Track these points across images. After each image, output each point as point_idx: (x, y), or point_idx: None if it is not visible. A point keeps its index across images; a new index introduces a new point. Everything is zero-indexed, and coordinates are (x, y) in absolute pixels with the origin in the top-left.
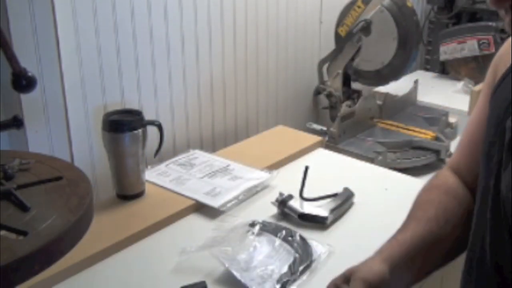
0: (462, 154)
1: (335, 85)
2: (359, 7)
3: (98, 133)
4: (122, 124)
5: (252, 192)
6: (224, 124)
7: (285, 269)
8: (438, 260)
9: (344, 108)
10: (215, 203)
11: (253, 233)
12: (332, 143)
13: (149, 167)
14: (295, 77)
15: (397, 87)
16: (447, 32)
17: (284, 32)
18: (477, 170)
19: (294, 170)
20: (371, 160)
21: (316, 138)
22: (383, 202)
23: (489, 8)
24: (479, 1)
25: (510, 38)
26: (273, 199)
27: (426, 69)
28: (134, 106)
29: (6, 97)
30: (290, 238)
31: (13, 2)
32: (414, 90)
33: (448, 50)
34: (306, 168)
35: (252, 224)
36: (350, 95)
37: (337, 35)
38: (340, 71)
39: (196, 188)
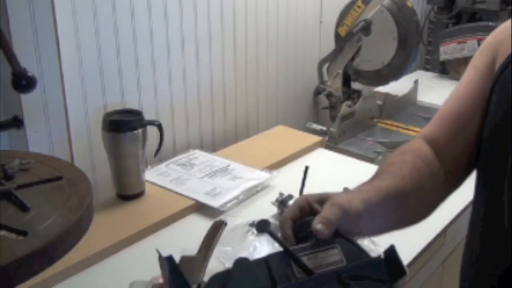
0: (441, 126)
1: (335, 85)
2: (359, 7)
3: (98, 133)
4: (122, 124)
5: (252, 192)
6: (224, 124)
7: None
8: (401, 220)
9: (344, 108)
10: (215, 203)
11: (253, 233)
12: (332, 143)
13: (149, 167)
14: (295, 77)
15: (397, 87)
16: (447, 32)
17: (284, 32)
18: (454, 143)
19: (294, 170)
20: (371, 160)
21: (316, 138)
22: None
23: (489, 8)
24: (479, 1)
25: (510, 21)
26: (273, 199)
27: (426, 69)
28: (134, 106)
29: (6, 97)
30: None
31: (13, 2)
32: (414, 90)
33: (448, 50)
34: (306, 168)
35: (252, 224)
36: (350, 95)
37: (337, 35)
38: (340, 71)
39: (196, 188)
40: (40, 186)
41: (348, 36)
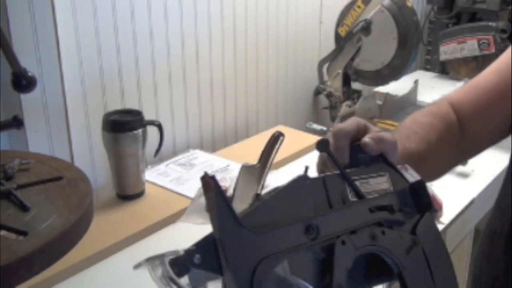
0: (473, 95)
1: (335, 85)
2: (359, 7)
3: (98, 133)
4: (122, 124)
5: None
6: (224, 124)
7: None
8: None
9: (344, 108)
10: None
11: None
12: None
13: (149, 167)
14: (295, 77)
15: (397, 87)
16: (447, 32)
17: (284, 32)
18: (482, 116)
19: (294, 170)
20: None
21: (316, 138)
22: None
23: (489, 8)
24: (479, 1)
25: None
26: None
27: (426, 69)
28: (134, 106)
29: (6, 97)
30: None
31: (13, 2)
32: (414, 90)
33: (448, 50)
34: (306, 168)
35: None
36: (350, 95)
37: (337, 35)
38: (340, 71)
39: (196, 188)
40: (40, 186)
41: (348, 36)
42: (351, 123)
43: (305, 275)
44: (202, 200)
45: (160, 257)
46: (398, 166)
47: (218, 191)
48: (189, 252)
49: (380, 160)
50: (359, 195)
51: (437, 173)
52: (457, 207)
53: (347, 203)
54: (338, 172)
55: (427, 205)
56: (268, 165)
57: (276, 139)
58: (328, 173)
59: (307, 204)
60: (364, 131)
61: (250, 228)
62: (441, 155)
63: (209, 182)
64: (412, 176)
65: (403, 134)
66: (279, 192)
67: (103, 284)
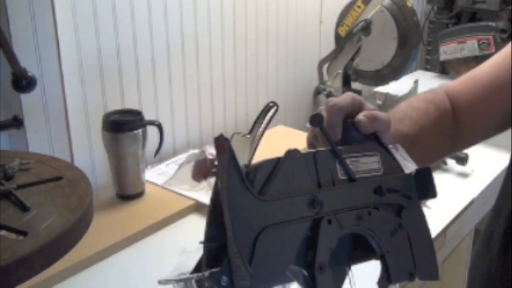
0: (469, 86)
1: (335, 85)
2: (359, 7)
3: (98, 133)
4: (122, 124)
5: None
6: (224, 124)
7: None
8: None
9: None
10: None
11: None
12: None
13: (149, 167)
14: (295, 77)
15: (397, 87)
16: (447, 32)
17: (284, 32)
18: (476, 108)
19: None
20: None
21: None
22: None
23: (489, 8)
24: (479, 1)
25: None
26: None
27: (426, 69)
28: (134, 106)
29: (6, 97)
30: None
31: (13, 2)
32: (414, 90)
33: (448, 50)
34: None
35: None
36: None
37: (337, 35)
38: (340, 71)
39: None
40: (40, 186)
41: (348, 36)
42: (346, 98)
43: (290, 249)
44: (187, 168)
45: (187, 280)
46: (390, 146)
47: (231, 154)
48: (216, 275)
49: (372, 138)
50: (349, 174)
51: (427, 159)
52: (457, 207)
53: (337, 181)
54: (329, 148)
55: (432, 193)
56: (259, 135)
57: (269, 109)
58: (320, 149)
59: (305, 178)
60: (359, 107)
61: (257, 194)
62: (433, 142)
63: (223, 144)
64: (403, 157)
65: (397, 116)
66: (279, 164)
67: (103, 284)
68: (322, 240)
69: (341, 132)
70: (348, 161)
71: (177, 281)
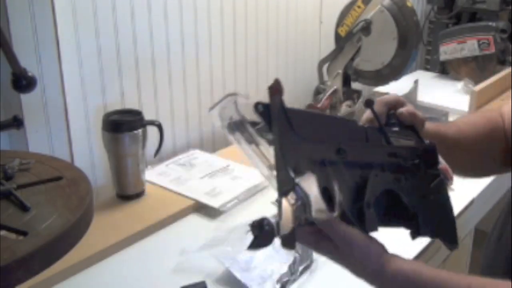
0: None
1: (335, 85)
2: (359, 7)
3: (98, 133)
4: (122, 124)
5: (252, 192)
6: None
7: (285, 269)
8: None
9: (344, 108)
10: (215, 203)
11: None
12: None
13: (149, 167)
14: (295, 77)
15: (397, 87)
16: (447, 32)
17: (284, 32)
18: None
19: None
20: None
21: None
22: None
23: (489, 8)
24: (479, 1)
25: None
26: (273, 199)
27: (426, 69)
28: (134, 106)
29: (6, 97)
30: None
31: (13, 2)
32: (414, 90)
33: (448, 50)
34: None
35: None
36: (350, 95)
37: (337, 35)
38: (340, 71)
39: (196, 188)
40: (40, 186)
41: (348, 36)
42: (391, 96)
43: (345, 192)
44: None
45: (231, 97)
46: (426, 141)
47: (280, 97)
48: (257, 104)
49: (409, 129)
50: (388, 141)
51: (466, 169)
52: (457, 207)
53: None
54: (377, 127)
55: (434, 164)
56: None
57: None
58: (371, 125)
59: (344, 135)
60: (401, 105)
61: (298, 133)
62: (475, 152)
63: (277, 87)
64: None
65: (445, 124)
66: (335, 116)
67: (103, 284)
68: (370, 187)
69: (384, 119)
70: (392, 139)
71: (222, 100)
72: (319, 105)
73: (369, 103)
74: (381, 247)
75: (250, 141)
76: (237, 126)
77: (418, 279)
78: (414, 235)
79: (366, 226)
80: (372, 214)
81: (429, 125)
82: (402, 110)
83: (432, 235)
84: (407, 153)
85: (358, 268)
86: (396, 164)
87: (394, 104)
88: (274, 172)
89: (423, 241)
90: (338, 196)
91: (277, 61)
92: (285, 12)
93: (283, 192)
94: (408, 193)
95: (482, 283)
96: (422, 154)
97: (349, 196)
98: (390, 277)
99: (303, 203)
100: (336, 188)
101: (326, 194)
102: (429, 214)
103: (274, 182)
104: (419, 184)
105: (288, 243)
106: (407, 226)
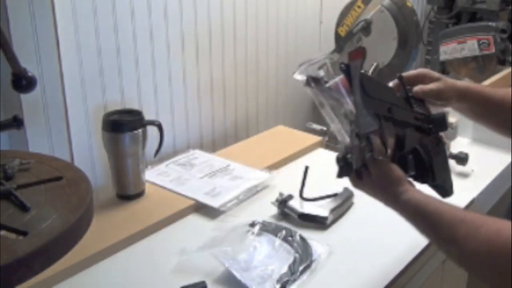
0: None
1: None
2: (359, 7)
3: (98, 133)
4: (122, 124)
5: (252, 192)
6: (224, 124)
7: (285, 269)
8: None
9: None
10: (215, 203)
11: (253, 233)
12: (332, 143)
13: (149, 167)
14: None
15: None
16: (447, 32)
17: (284, 32)
18: None
19: (294, 170)
20: None
21: (316, 138)
22: None
23: (489, 8)
24: (479, 1)
25: None
26: (273, 199)
27: None
28: (134, 106)
29: (6, 97)
30: (290, 238)
31: (13, 2)
32: None
33: (448, 50)
34: (306, 168)
35: (252, 224)
36: None
37: (337, 35)
38: None
39: (196, 188)
40: (40, 186)
41: (348, 36)
42: (413, 71)
43: (390, 141)
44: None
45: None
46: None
47: (361, 61)
48: (341, 63)
49: (421, 102)
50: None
51: (471, 115)
52: None
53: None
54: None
55: (445, 128)
56: None
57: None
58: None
59: (392, 98)
60: (429, 78)
61: (368, 93)
62: (480, 105)
63: (358, 53)
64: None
65: (490, 88)
66: (384, 84)
67: (103, 284)
68: (408, 140)
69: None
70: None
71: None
72: None
73: (400, 78)
74: (407, 182)
75: (326, 97)
76: (319, 83)
77: (424, 209)
78: (426, 180)
79: (408, 168)
80: (411, 160)
81: (470, 85)
82: (416, 88)
83: (441, 182)
84: (425, 118)
85: (383, 192)
86: (419, 126)
87: (415, 77)
88: (346, 121)
89: (421, 243)
90: (390, 143)
91: (277, 61)
92: (285, 12)
93: (366, 132)
94: (425, 150)
95: (479, 218)
96: (435, 120)
97: (394, 145)
98: (403, 203)
99: (368, 144)
100: (388, 137)
101: (382, 140)
102: (437, 168)
103: (343, 133)
104: (431, 144)
105: (347, 173)
106: (423, 176)
